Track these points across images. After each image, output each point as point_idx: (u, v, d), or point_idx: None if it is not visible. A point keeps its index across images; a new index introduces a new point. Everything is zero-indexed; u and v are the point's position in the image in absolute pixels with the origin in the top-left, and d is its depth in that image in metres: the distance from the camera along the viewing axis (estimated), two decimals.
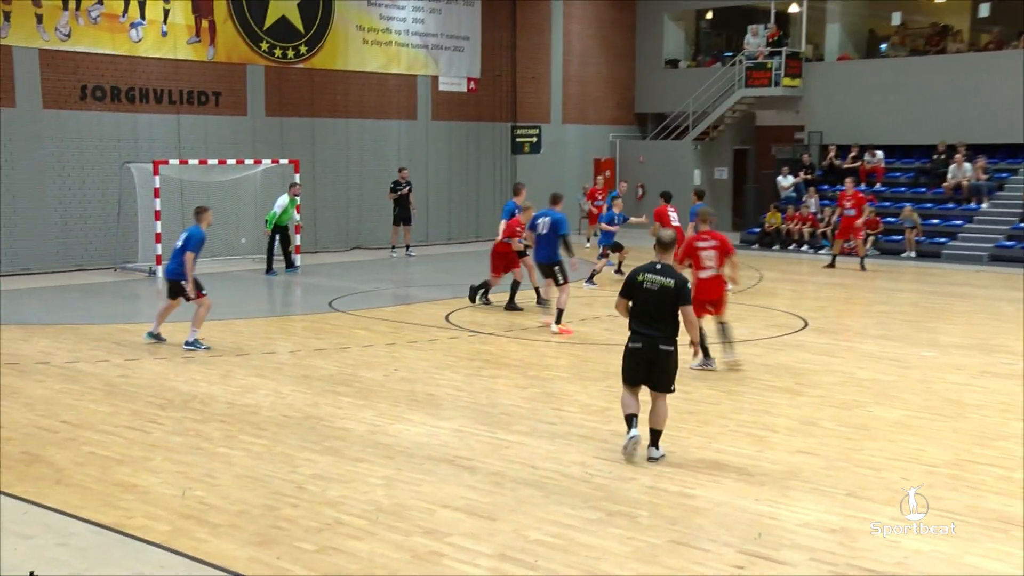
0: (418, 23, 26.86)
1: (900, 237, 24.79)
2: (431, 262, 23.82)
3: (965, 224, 24.92)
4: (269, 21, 24.01)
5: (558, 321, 14.57)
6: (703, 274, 12.04)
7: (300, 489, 7.98)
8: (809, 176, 27.79)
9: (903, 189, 27.02)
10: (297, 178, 22.24)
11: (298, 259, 22.11)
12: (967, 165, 25.69)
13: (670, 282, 8.68)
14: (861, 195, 23.18)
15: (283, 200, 21.14)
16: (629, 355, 8.84)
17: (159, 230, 20.80)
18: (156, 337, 13.73)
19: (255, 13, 23.73)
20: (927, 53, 28.29)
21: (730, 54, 31.12)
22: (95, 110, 21.61)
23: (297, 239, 22.40)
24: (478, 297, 16.97)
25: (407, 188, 24.30)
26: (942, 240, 24.59)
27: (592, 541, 6.91)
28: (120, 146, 21.94)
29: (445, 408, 10.53)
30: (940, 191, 26.07)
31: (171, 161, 21.58)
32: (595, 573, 6.40)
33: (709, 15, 33.14)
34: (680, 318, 8.83)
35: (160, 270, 13.43)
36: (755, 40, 29.54)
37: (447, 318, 15.87)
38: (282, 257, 21.47)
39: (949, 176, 25.90)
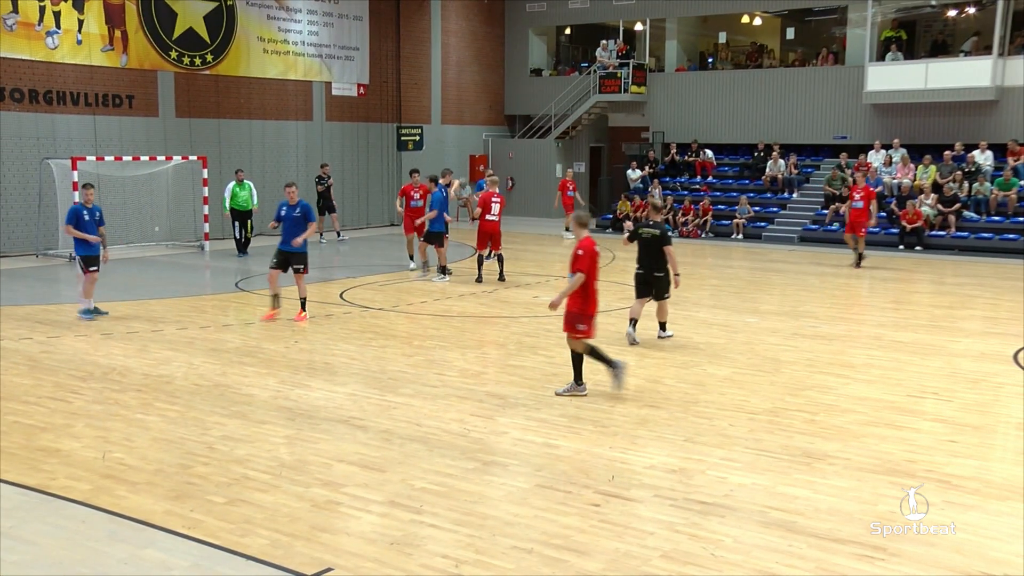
0: (313, 35, 26.30)
1: (729, 222, 25.46)
2: (327, 247, 23.45)
3: (780, 211, 25.77)
4: (178, 32, 23.17)
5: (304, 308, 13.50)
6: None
7: (211, 449, 7.80)
8: (653, 170, 28.30)
9: (731, 181, 27.77)
10: (203, 172, 21.60)
11: (207, 245, 21.52)
12: (781, 161, 26.56)
13: (657, 231, 11.74)
14: (871, 188, 20.23)
15: (229, 186, 20.93)
16: (636, 278, 12.02)
17: None
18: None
19: (164, 24, 22.89)
20: (747, 67, 29.08)
21: (586, 64, 31.38)
22: (14, 110, 20.52)
23: (206, 227, 21.78)
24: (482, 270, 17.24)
25: (329, 181, 23.88)
26: (762, 224, 25.37)
27: (470, 487, 6.94)
28: (39, 144, 20.91)
29: (340, 375, 10.41)
30: (760, 183, 26.88)
31: (88, 158, 20.71)
32: (473, 514, 6.43)
33: (568, 31, 33.35)
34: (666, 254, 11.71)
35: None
36: (606, 53, 29.85)
37: (341, 296, 15.68)
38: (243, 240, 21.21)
39: (767, 170, 26.73)
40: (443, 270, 17.18)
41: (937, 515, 6.43)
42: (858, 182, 20.30)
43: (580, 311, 9.29)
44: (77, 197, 13.50)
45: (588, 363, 9.51)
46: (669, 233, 11.96)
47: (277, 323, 13.27)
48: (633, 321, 11.92)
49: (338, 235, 24.04)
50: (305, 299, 13.46)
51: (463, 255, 20.56)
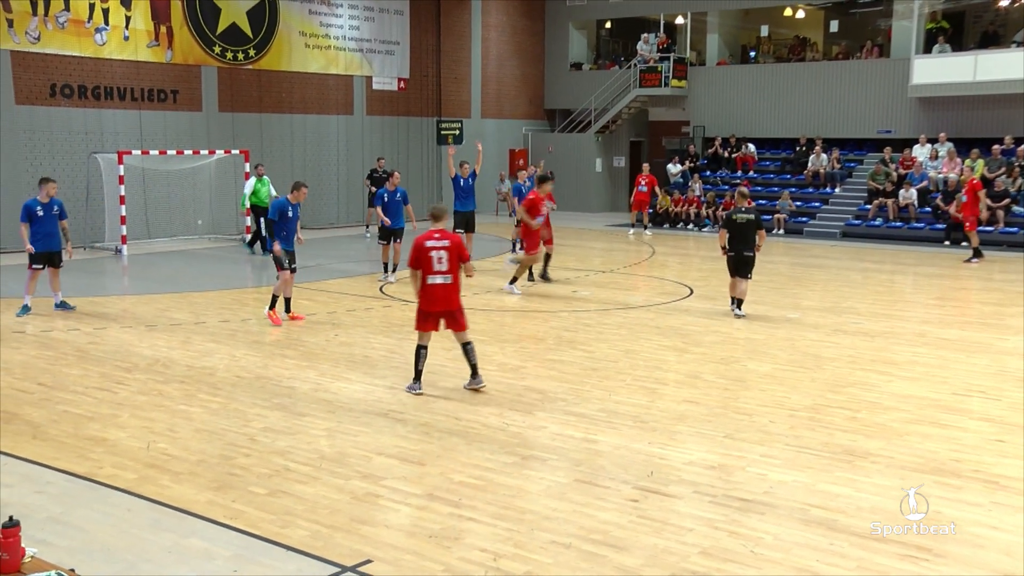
0: (354, 29, 26.46)
1: (769, 217, 25.19)
2: (372, 241, 23.57)
3: (822, 206, 25.47)
4: (221, 27, 23.44)
5: (272, 306, 12.89)
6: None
7: (252, 440, 7.88)
8: (694, 164, 28.10)
9: (772, 176, 27.49)
10: (246, 165, 21.80)
11: (248, 238, 21.72)
12: (824, 156, 26.25)
13: (751, 216, 13.13)
14: (975, 182, 20.13)
15: (251, 182, 20.50)
16: (730, 260, 13.27)
17: (124, 213, 20.45)
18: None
19: (208, 20, 23.15)
20: (790, 60, 28.76)
21: (626, 58, 31.23)
22: (64, 106, 20.91)
23: (248, 220, 21.98)
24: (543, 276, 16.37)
25: (385, 175, 23.91)
26: (803, 220, 25.09)
27: (508, 481, 6.94)
28: (87, 138, 21.27)
29: (379, 368, 10.46)
30: (802, 177, 26.58)
31: (134, 152, 21.06)
32: (512, 508, 6.43)
33: (608, 24, 33.21)
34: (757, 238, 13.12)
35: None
36: (647, 47, 29.67)
37: (381, 290, 15.75)
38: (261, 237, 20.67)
39: (809, 165, 26.42)
40: (387, 268, 16.42)
41: (985, 516, 6.33)
42: (964, 176, 20.31)
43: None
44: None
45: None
46: (762, 218, 13.51)
47: (317, 316, 13.37)
48: (735, 300, 13.44)
49: (368, 229, 24.01)
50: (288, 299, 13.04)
51: (501, 249, 20.55)
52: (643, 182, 24.70)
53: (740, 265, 13.22)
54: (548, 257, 16.55)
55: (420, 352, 9.30)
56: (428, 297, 9.17)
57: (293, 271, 12.91)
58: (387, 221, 16.00)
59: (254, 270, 19.24)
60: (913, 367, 10.56)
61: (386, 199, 16.06)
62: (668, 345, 11.60)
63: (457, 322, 9.26)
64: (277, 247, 12.55)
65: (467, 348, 9.37)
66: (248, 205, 20.66)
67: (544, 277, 16.43)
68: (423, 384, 9.40)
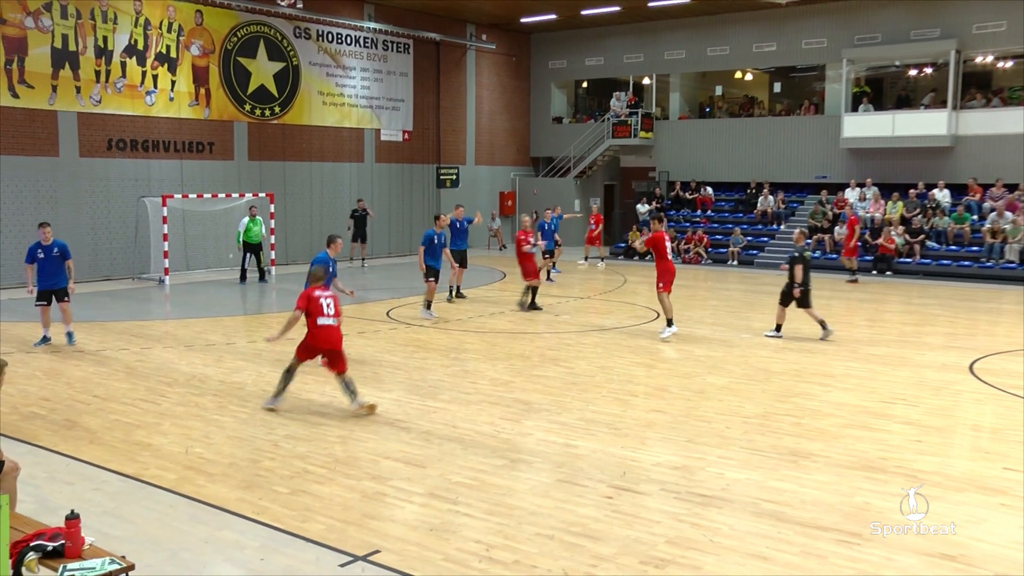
0: (365, 89, 26.59)
1: (725, 250, 25.33)
2: (375, 271, 23.60)
3: (770, 240, 25.60)
4: (251, 88, 23.55)
5: None
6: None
7: (276, 446, 7.86)
8: (660, 205, 28.21)
9: (727, 214, 27.63)
10: (266, 206, 21.82)
11: (272, 270, 21.77)
12: (771, 197, 26.42)
13: (809, 255, 13.31)
14: (855, 219, 21.50)
15: (244, 221, 20.37)
16: (804, 294, 13.04)
17: (166, 248, 20.43)
18: None
19: (240, 82, 23.27)
20: (740, 116, 29.01)
21: (600, 113, 31.44)
22: (118, 157, 20.98)
23: (272, 254, 22.04)
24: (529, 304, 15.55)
25: (365, 213, 24.10)
26: (754, 252, 25.20)
27: (499, 482, 6.94)
28: (137, 185, 21.30)
29: (386, 383, 10.45)
30: (752, 216, 26.73)
31: (176, 196, 21.10)
32: (502, 505, 6.43)
33: (585, 84, 33.44)
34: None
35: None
36: (618, 103, 29.88)
37: (388, 314, 15.74)
38: (255, 269, 20.69)
39: (758, 205, 26.58)
40: (428, 305, 15.14)
41: (905, 505, 6.35)
42: (847, 216, 21.60)
43: None
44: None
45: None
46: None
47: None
48: (827, 324, 13.24)
49: (362, 262, 24.15)
50: None
51: (492, 279, 20.54)
52: (592, 222, 24.75)
53: (807, 295, 13.19)
54: (535, 290, 15.98)
55: (289, 374, 9.00)
56: (318, 336, 8.86)
57: None
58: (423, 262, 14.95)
59: (278, 297, 19.20)
60: (847, 379, 10.62)
61: (435, 241, 15.03)
62: (638, 362, 11.61)
63: (337, 364, 8.89)
64: None
65: (343, 380, 8.88)
66: (241, 242, 20.44)
67: (532, 306, 15.78)
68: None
